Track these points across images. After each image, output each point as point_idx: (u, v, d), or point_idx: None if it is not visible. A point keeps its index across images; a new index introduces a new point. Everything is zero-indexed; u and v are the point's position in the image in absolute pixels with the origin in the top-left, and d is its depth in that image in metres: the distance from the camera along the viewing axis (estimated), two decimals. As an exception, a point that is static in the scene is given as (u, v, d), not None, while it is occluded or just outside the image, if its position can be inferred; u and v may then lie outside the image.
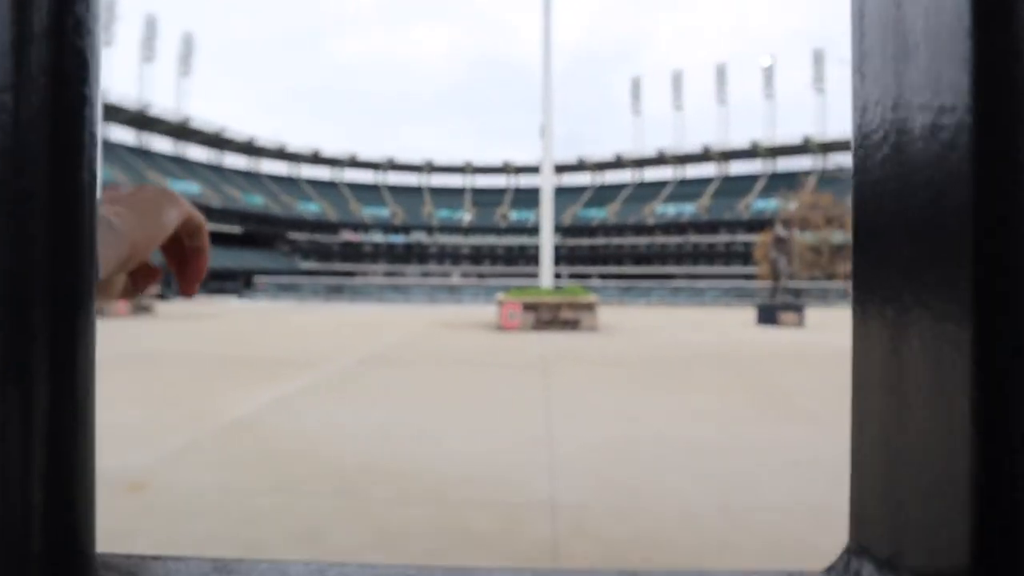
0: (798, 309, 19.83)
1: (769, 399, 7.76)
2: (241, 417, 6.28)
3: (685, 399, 7.78)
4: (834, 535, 3.54)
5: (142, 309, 22.88)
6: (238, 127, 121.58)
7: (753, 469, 4.88)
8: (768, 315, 19.56)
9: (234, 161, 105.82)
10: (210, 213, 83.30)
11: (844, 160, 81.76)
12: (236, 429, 5.86)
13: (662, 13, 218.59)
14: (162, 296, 32.17)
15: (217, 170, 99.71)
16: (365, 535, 3.54)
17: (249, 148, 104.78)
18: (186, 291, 0.61)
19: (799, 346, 13.88)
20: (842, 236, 60.55)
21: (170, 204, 0.53)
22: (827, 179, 71.05)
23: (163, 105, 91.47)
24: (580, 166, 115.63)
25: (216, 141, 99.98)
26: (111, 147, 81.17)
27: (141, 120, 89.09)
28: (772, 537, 3.59)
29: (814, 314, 23.88)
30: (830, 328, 19.18)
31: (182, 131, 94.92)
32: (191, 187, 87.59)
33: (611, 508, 4.04)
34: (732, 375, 9.80)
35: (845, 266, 58.44)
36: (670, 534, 3.63)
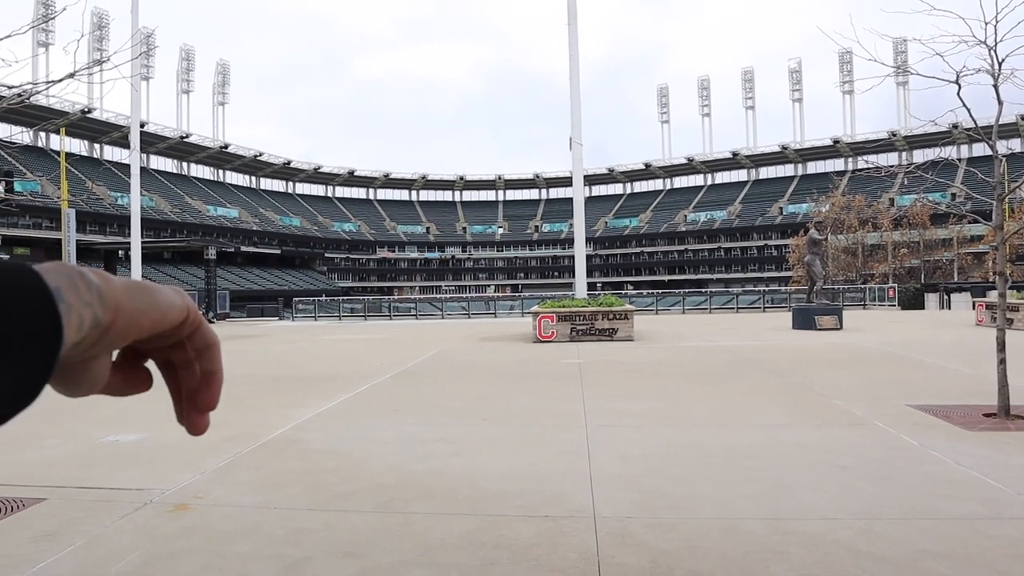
0: (836, 312, 19.48)
1: (809, 403, 7.63)
2: (281, 435, 6.36)
3: (724, 406, 7.68)
4: (884, 542, 3.47)
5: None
6: (274, 151, 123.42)
7: (797, 475, 4.80)
8: (805, 319, 19.20)
9: (271, 184, 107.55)
10: (248, 236, 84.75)
11: (875, 160, 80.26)
12: (276, 447, 5.93)
13: (686, 21, 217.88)
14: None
15: (254, 193, 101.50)
16: (408, 551, 3.56)
17: (285, 171, 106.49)
18: (196, 424, 0.52)
19: (838, 349, 13.63)
20: (877, 237, 59.41)
21: (173, 292, 0.48)
22: (859, 180, 69.78)
23: (202, 132, 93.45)
24: (610, 175, 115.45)
25: (253, 165, 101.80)
26: (152, 175, 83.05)
27: (181, 148, 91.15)
28: (821, 546, 3.52)
29: (852, 316, 23.46)
30: (869, 330, 18.81)
31: (220, 157, 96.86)
32: (230, 212, 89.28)
33: (653, 518, 4.00)
34: (771, 380, 9.66)
35: (880, 267, 57.30)
36: (715, 544, 3.58)
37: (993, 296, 21.96)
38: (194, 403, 0.52)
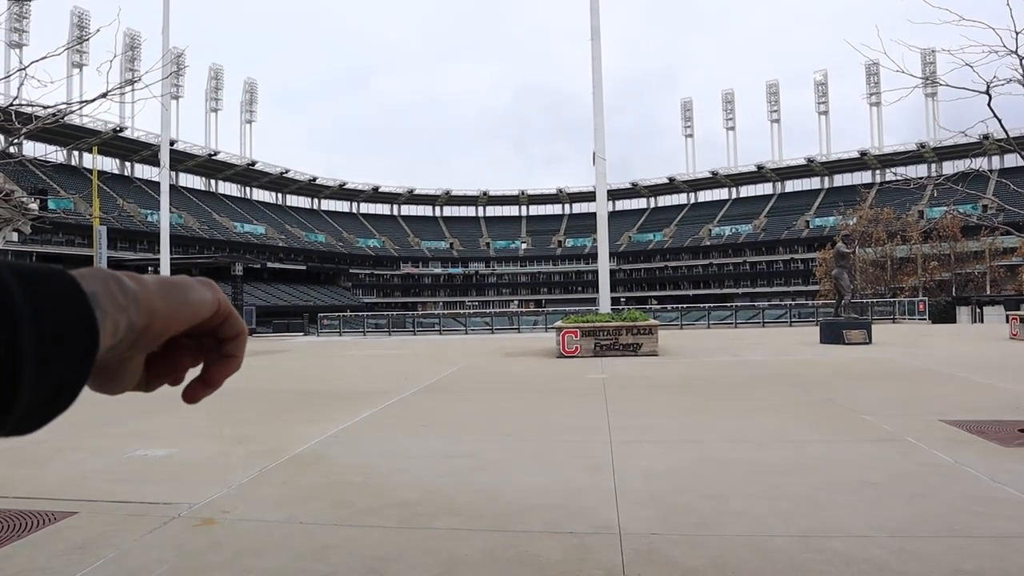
0: (864, 326, 19.20)
1: (839, 418, 7.51)
2: (307, 450, 6.38)
3: (751, 421, 7.59)
4: (918, 561, 3.39)
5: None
6: (300, 168, 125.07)
7: (827, 492, 4.72)
8: (833, 333, 18.94)
9: (296, 200, 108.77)
10: (275, 252, 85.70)
11: (903, 172, 79.00)
12: (303, 462, 5.95)
13: (709, 34, 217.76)
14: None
15: (281, 210, 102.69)
16: (432, 566, 3.55)
17: (311, 187, 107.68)
18: (194, 394, 0.53)
19: (867, 363, 13.43)
20: (906, 250, 58.58)
21: (205, 287, 0.49)
22: (887, 192, 68.95)
23: (229, 150, 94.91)
24: (633, 190, 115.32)
25: (279, 182, 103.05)
26: (180, 193, 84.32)
27: (209, 166, 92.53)
28: (853, 564, 3.46)
29: (881, 330, 23.12)
30: (899, 344, 18.52)
31: (247, 174, 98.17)
32: (257, 228, 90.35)
33: (680, 534, 3.95)
34: (799, 395, 9.53)
35: (910, 280, 56.45)
36: (743, 561, 3.53)
37: (1027, 309, 21.53)
38: (203, 378, 0.53)
